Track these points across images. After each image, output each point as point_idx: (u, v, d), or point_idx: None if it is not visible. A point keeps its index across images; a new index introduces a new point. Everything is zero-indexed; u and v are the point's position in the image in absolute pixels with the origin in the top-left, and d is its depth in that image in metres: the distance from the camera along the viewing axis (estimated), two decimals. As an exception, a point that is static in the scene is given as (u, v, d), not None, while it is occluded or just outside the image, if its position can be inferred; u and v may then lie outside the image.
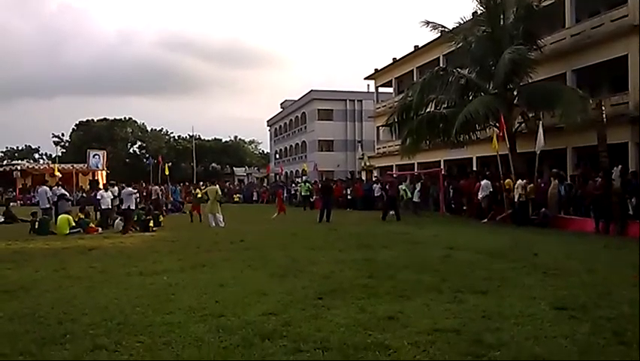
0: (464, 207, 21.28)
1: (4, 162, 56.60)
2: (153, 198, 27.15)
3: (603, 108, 17.04)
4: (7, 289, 7.47)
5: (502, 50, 18.81)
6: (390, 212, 19.79)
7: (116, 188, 19.97)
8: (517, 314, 5.66)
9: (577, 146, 20.19)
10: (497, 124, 19.08)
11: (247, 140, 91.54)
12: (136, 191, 17.56)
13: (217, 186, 20.41)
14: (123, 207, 16.50)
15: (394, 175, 29.52)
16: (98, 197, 18.52)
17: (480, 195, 18.82)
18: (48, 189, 19.74)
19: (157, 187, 29.24)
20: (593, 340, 4.81)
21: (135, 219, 17.03)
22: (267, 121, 72.48)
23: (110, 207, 18.52)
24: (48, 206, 18.66)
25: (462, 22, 21.76)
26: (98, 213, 18.78)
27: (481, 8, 20.85)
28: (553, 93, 18.52)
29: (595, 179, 15.06)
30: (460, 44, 21.91)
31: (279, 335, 5.02)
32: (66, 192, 20.14)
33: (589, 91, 20.39)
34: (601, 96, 19.62)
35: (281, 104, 67.33)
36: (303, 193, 29.80)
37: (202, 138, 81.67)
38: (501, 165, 18.44)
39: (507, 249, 11.07)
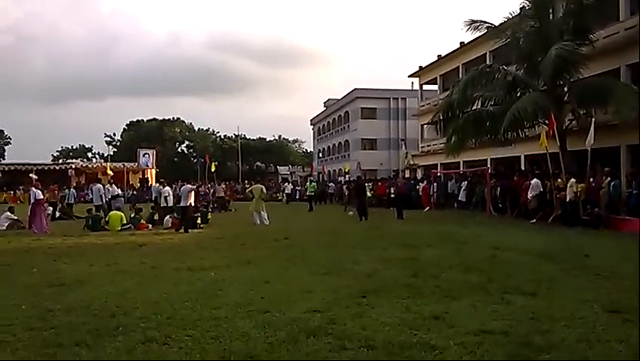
0: (512, 207, 20.77)
1: (60, 161, 58.89)
2: (218, 195, 28.26)
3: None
4: (63, 282, 7.82)
5: (550, 46, 18.26)
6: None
7: (167, 187, 20.62)
8: (568, 317, 5.51)
9: (631, 144, 19.39)
10: (547, 121, 18.54)
11: (291, 139, 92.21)
12: (194, 188, 17.94)
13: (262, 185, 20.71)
14: (182, 205, 16.77)
15: (438, 173, 29.17)
16: (165, 194, 19.18)
17: (529, 195, 18.34)
18: (102, 187, 20.56)
19: (223, 185, 30.47)
20: (648, 345, 4.63)
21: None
22: (311, 120, 72.76)
23: (171, 204, 19.20)
24: (101, 203, 19.36)
25: (510, 17, 21.27)
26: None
27: (529, 3, 20.31)
28: (606, 89, 17.84)
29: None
30: (508, 40, 21.39)
31: (324, 332, 5.06)
32: (119, 191, 20.94)
33: (644, 87, 19.54)
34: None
35: (324, 102, 67.45)
36: (308, 193, 29.09)
37: (247, 137, 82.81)
38: (551, 164, 17.92)
39: (556, 250, 10.77)
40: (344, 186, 32.89)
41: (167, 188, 20.20)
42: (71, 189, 24.57)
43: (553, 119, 17.64)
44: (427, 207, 25.04)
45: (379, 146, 52.83)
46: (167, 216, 17.98)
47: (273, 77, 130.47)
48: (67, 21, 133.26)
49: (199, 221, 17.34)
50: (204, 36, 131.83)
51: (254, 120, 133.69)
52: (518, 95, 20.42)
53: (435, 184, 27.18)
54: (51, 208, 21.02)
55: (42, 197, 17.32)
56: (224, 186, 30.87)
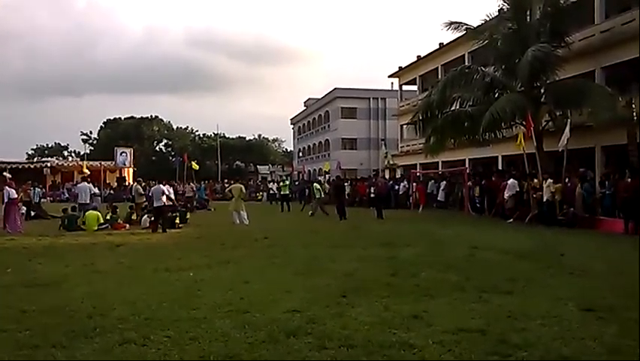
0: (490, 207, 21.04)
1: (35, 159, 57.85)
2: (187, 195, 27.80)
3: (633, 106, 16.72)
4: (39, 283, 7.68)
5: (528, 48, 18.53)
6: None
7: (141, 185, 20.27)
8: (544, 315, 5.60)
9: (606, 145, 19.78)
10: (524, 122, 18.82)
11: (271, 138, 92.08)
12: (167, 188, 17.46)
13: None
14: (155, 205, 16.50)
15: (418, 173, 29.39)
16: (140, 192, 18.85)
17: (506, 195, 18.59)
18: (91, 185, 20.03)
19: (192, 185, 30.11)
20: (621, 342, 4.74)
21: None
22: (291, 119, 72.70)
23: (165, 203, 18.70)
24: (87, 202, 18.93)
25: (488, 19, 21.53)
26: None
27: (507, 5, 20.58)
28: (582, 91, 18.17)
29: (626, 179, 14.73)
30: (486, 42, 21.65)
31: (304, 332, 5.06)
32: (96, 190, 20.60)
33: (618, 89, 19.93)
34: (631, 94, 19.18)
35: (304, 102, 67.47)
36: (282, 192, 27.86)
37: (226, 136, 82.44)
38: (527, 164, 18.19)
39: (533, 249, 10.95)
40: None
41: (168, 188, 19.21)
42: (36, 188, 23.96)
43: (530, 120, 17.90)
44: (421, 207, 24.83)
45: (359, 145, 53.03)
46: (145, 216, 17.81)
47: (253, 76, 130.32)
48: (43, 16, 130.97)
49: (177, 221, 17.20)
50: (184, 33, 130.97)
51: (233, 119, 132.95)
52: (496, 96, 20.68)
53: (414, 184, 27.37)
54: (25, 208, 20.63)
55: (16, 196, 16.99)
56: (193, 185, 30.33)
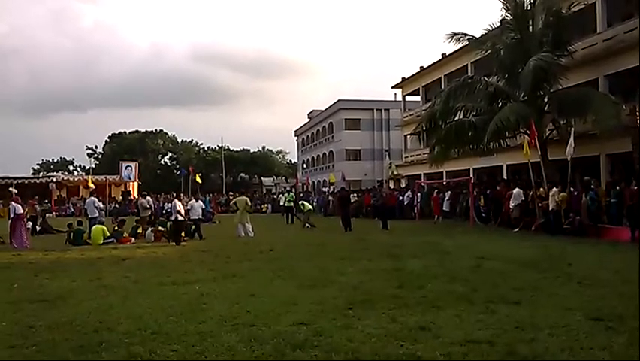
0: (496, 217, 20.95)
1: (40, 174, 58.16)
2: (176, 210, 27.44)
3: (637, 114, 16.70)
4: (45, 298, 7.68)
5: (530, 57, 18.59)
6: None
7: (149, 198, 20.28)
8: (552, 325, 5.56)
9: (611, 153, 19.75)
10: (528, 131, 18.83)
11: (275, 150, 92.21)
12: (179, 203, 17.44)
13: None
14: (174, 219, 16.50)
15: (422, 183, 29.34)
16: (188, 207, 17.97)
17: (511, 204, 18.54)
18: (96, 200, 20.13)
19: (185, 199, 29.47)
20: (630, 352, 4.70)
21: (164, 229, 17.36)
22: (295, 131, 72.87)
23: (201, 216, 18.54)
24: (96, 215, 18.96)
25: (490, 29, 21.61)
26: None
27: (509, 15, 20.67)
28: (585, 99, 18.19)
29: (632, 186, 14.66)
30: (489, 52, 21.73)
31: (311, 345, 5.04)
32: (101, 205, 20.64)
33: (622, 97, 19.95)
34: (635, 102, 19.17)
35: (308, 114, 67.66)
36: (286, 204, 27.05)
37: (231, 148, 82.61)
38: (532, 173, 18.16)
39: (540, 259, 10.88)
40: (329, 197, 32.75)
41: (195, 202, 18.75)
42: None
43: (534, 128, 17.89)
44: (437, 217, 24.37)
45: (363, 156, 53.06)
46: (150, 230, 17.81)
47: (256, 89, 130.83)
48: (49, 33, 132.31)
49: (183, 234, 17.21)
50: (188, 47, 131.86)
51: (238, 132, 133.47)
52: (499, 105, 20.72)
53: (419, 194, 27.33)
54: (31, 223, 20.69)
55: (22, 211, 17.04)
56: (186, 200, 29.25)
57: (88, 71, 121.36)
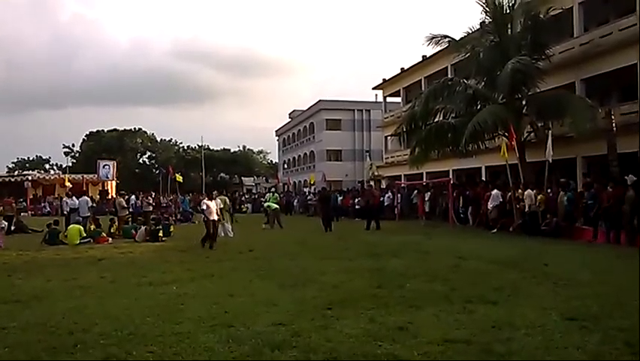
0: (474, 218, 21.17)
1: (15, 173, 57.03)
2: (144, 210, 26.97)
3: (613, 117, 17.01)
4: (19, 298, 7.54)
5: (509, 60, 18.80)
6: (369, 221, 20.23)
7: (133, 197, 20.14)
8: (528, 325, 5.64)
9: (587, 155, 20.08)
10: (506, 133, 19.05)
11: (256, 150, 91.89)
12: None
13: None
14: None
15: (402, 184, 29.50)
16: (204, 206, 15.87)
17: (490, 205, 18.74)
18: (89, 199, 20.01)
19: (151, 197, 28.39)
20: (604, 350, 4.79)
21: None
22: (276, 131, 72.74)
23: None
24: (88, 214, 18.79)
25: (470, 32, 21.80)
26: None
27: (489, 18, 20.88)
28: (562, 102, 18.47)
29: (608, 188, 14.91)
30: (468, 54, 21.92)
31: (289, 345, 5.03)
32: (76, 202, 20.42)
33: (598, 100, 20.29)
34: (610, 105, 19.54)
35: (289, 114, 67.59)
36: (272, 207, 25.40)
37: (211, 148, 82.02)
38: (510, 175, 18.37)
39: (517, 259, 11.01)
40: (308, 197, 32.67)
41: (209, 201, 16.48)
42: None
43: (513, 131, 18.11)
44: (422, 218, 24.18)
45: (344, 157, 53.21)
46: (142, 228, 17.52)
47: (237, 88, 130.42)
48: (25, 27, 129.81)
49: (161, 234, 17.04)
50: (169, 45, 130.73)
51: (218, 131, 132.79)
52: (478, 107, 20.89)
53: (399, 195, 27.45)
54: (6, 223, 20.26)
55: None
56: (152, 197, 28.30)
57: (66, 67, 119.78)
